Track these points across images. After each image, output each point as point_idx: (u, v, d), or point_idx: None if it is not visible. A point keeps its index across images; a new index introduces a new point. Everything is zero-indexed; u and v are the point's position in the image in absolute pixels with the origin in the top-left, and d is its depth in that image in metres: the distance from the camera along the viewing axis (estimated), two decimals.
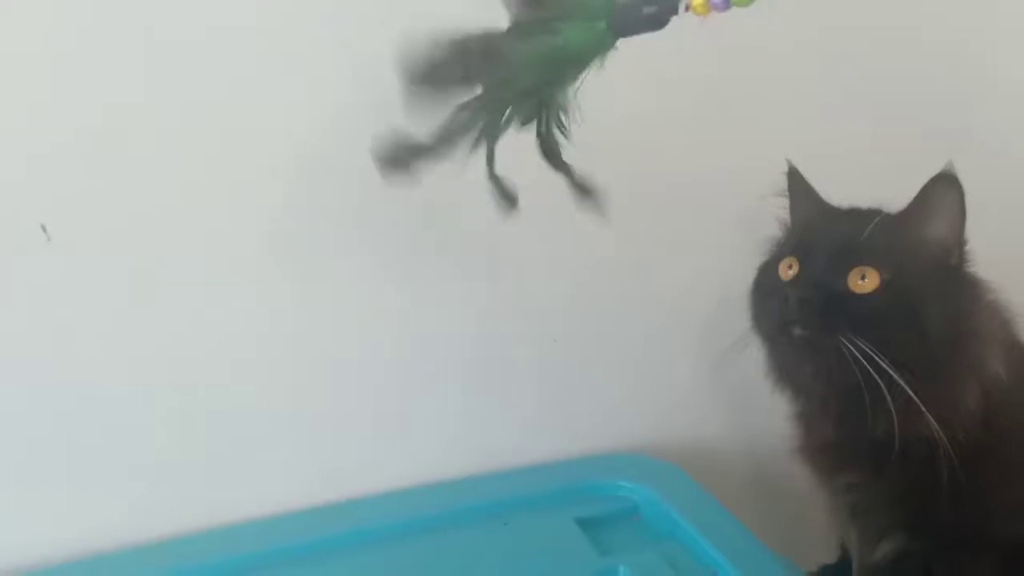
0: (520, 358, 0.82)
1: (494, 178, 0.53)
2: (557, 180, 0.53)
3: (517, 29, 0.49)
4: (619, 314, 0.83)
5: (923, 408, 0.57)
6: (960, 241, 0.60)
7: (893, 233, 0.60)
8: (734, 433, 0.86)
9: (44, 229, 0.65)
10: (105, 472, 0.71)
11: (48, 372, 0.68)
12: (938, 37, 0.88)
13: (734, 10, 0.45)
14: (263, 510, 0.76)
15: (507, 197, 0.54)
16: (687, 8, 0.46)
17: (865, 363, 0.56)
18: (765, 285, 0.65)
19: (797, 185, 0.68)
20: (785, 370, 0.66)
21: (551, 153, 0.53)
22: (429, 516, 0.75)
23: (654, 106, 0.76)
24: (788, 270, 0.62)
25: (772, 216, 0.70)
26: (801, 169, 0.69)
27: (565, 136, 0.52)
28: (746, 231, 0.71)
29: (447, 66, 0.48)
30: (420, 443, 0.81)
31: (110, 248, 0.67)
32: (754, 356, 0.67)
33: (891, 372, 0.56)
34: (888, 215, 0.62)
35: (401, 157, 0.51)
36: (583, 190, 0.54)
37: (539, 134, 0.52)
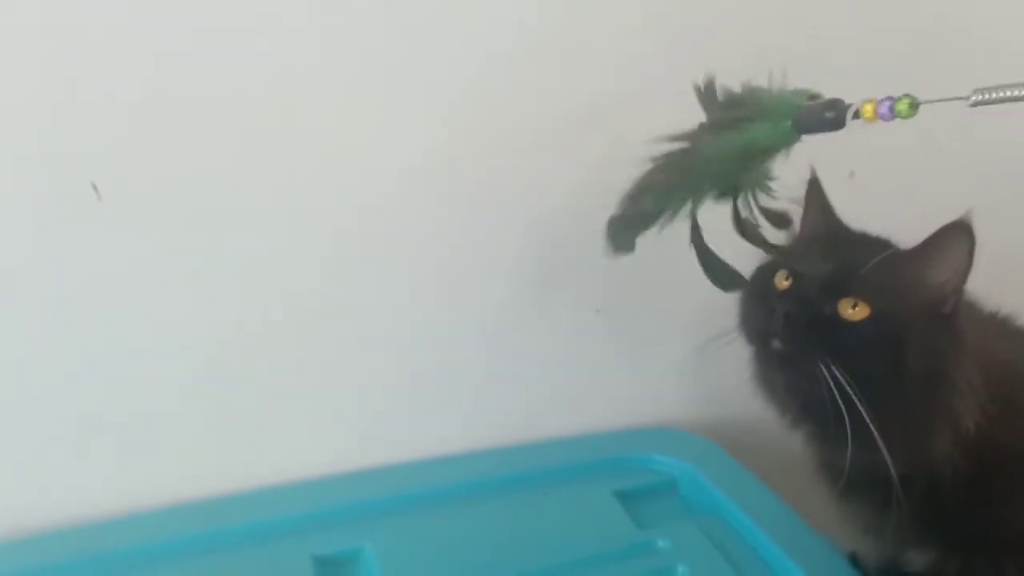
0: (561, 328, 0.82)
1: (701, 249, 0.62)
2: None
3: (714, 126, 0.59)
4: (663, 289, 0.83)
5: (880, 445, 0.56)
6: (959, 290, 0.58)
7: (894, 271, 0.59)
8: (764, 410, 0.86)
9: (95, 188, 0.65)
10: (143, 435, 0.72)
11: (95, 331, 0.69)
12: None
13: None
14: (308, 471, 0.77)
15: (715, 270, 0.63)
16: (856, 115, 0.51)
17: (835, 390, 0.56)
18: (757, 290, 0.64)
19: (815, 196, 0.67)
20: (762, 377, 0.66)
21: (747, 233, 0.62)
22: (470, 483, 0.76)
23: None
24: (783, 281, 0.62)
25: None
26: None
27: (767, 211, 0.61)
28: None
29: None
30: (461, 410, 0.82)
31: (157, 210, 0.68)
32: None
33: (859, 404, 0.55)
34: (895, 251, 0.60)
35: (626, 237, 0.62)
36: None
37: (735, 216, 0.61)
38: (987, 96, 0.47)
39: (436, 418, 0.81)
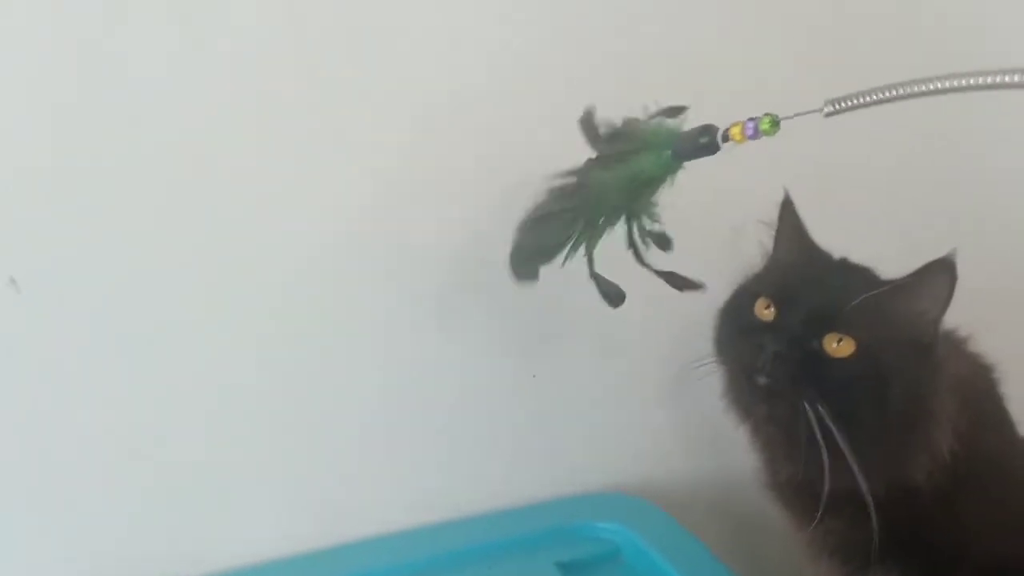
0: (499, 396, 0.81)
1: (596, 277, 0.63)
2: None
3: (601, 161, 0.61)
4: (601, 350, 0.82)
5: (858, 473, 0.57)
6: (939, 322, 0.60)
7: (878, 306, 0.59)
8: (708, 467, 0.85)
9: (14, 281, 0.65)
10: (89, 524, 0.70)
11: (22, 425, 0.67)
12: None
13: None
14: (250, 559, 0.75)
15: (609, 292, 0.63)
16: (727, 139, 0.54)
17: (816, 424, 0.56)
18: (738, 319, 0.65)
19: (788, 217, 0.68)
20: (740, 403, 0.66)
21: (641, 257, 0.62)
22: (414, 562, 0.74)
23: None
24: (765, 310, 0.62)
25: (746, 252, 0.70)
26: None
27: (652, 233, 0.62)
28: (721, 271, 0.70)
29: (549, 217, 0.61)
30: (402, 488, 0.80)
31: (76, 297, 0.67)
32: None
33: (837, 436, 0.56)
34: (878, 290, 0.61)
35: (529, 266, 0.63)
36: (676, 281, 0.64)
37: (631, 243, 0.62)
38: (839, 106, 0.48)
39: (378, 497, 0.79)
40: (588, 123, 0.62)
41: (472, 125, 0.75)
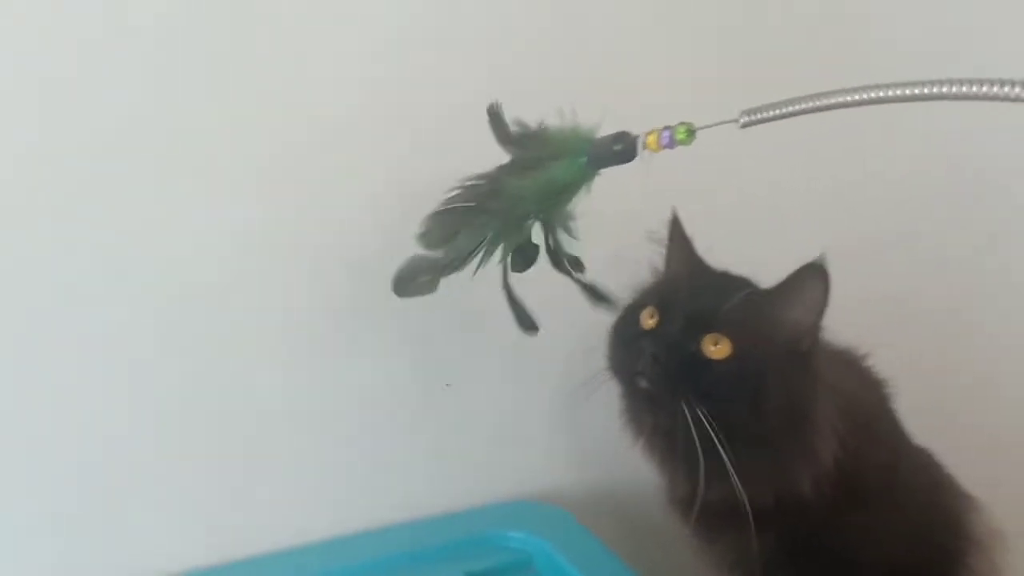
0: (410, 406, 0.79)
1: (510, 293, 0.63)
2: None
3: (514, 166, 0.60)
4: (515, 358, 0.82)
5: (736, 483, 0.58)
6: (815, 329, 0.61)
7: (754, 309, 0.60)
8: (620, 476, 0.85)
9: None
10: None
11: None
12: None
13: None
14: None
15: (522, 318, 0.64)
16: (644, 146, 0.54)
17: (694, 427, 0.57)
18: (625, 329, 0.66)
19: (677, 235, 0.69)
20: (632, 417, 0.67)
21: (559, 264, 0.63)
22: (320, 573, 0.72)
23: None
24: (649, 319, 0.63)
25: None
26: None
27: (566, 254, 0.62)
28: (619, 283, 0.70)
29: (459, 210, 0.60)
30: (308, 501, 0.77)
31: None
32: None
33: (717, 440, 0.57)
34: (754, 290, 0.62)
35: (422, 278, 0.62)
36: (594, 294, 0.65)
37: (548, 249, 0.62)
38: (754, 117, 0.49)
39: (282, 512, 0.76)
40: (496, 120, 0.61)
41: (383, 133, 0.74)
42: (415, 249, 0.62)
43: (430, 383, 0.80)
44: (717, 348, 0.59)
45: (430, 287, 0.62)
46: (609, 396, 0.70)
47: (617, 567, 0.73)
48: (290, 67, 0.70)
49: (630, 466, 0.77)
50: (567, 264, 0.63)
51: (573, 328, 0.74)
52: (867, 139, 0.93)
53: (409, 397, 0.79)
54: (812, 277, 0.59)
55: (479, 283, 0.75)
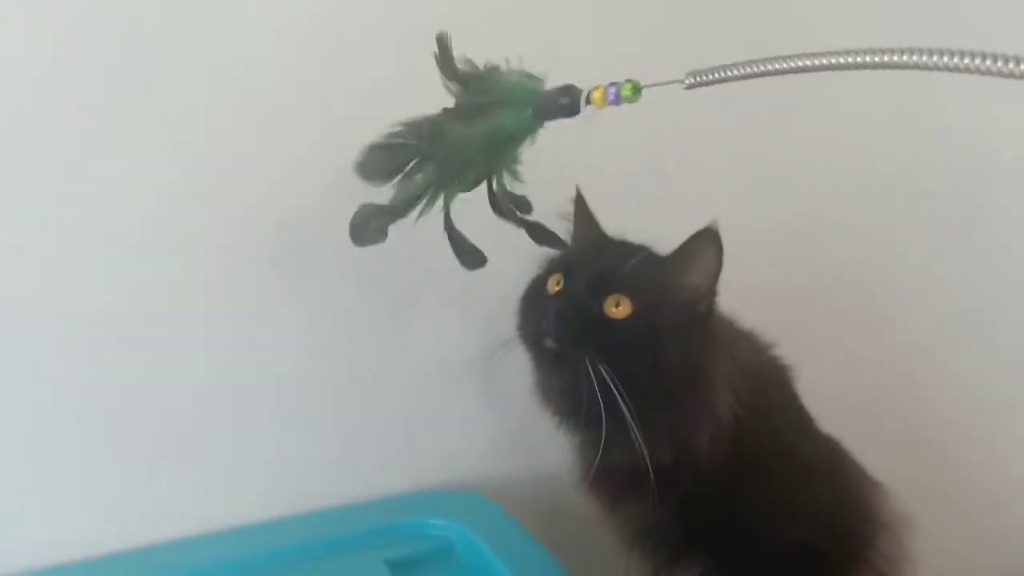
0: (332, 392, 0.78)
1: (452, 235, 0.62)
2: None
3: (459, 112, 0.59)
4: (436, 344, 0.81)
5: (638, 439, 0.60)
6: (711, 292, 0.64)
7: (654, 272, 0.63)
8: (542, 463, 0.85)
9: None
10: None
11: None
12: None
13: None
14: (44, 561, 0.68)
15: (466, 252, 0.62)
16: (588, 101, 0.54)
17: (597, 385, 0.59)
18: (532, 296, 0.68)
19: (581, 211, 0.71)
20: (541, 384, 0.69)
21: (502, 210, 0.62)
22: (237, 560, 0.70)
23: None
24: (555, 285, 0.65)
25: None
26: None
27: (511, 194, 0.62)
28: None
29: (399, 147, 0.59)
30: (224, 488, 0.75)
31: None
32: None
33: (619, 396, 0.59)
34: (653, 254, 0.65)
35: (373, 224, 0.60)
36: (540, 233, 0.65)
37: (490, 195, 0.62)
38: (701, 79, 0.49)
39: (200, 497, 0.74)
40: (444, 51, 0.60)
41: (307, 97, 0.73)
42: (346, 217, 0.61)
43: (353, 368, 0.78)
44: (619, 308, 0.61)
45: (381, 235, 0.61)
46: (528, 385, 0.71)
47: (538, 553, 0.72)
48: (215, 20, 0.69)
49: (553, 455, 0.77)
50: (512, 204, 0.63)
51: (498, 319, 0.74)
52: (796, 126, 0.96)
53: (330, 382, 0.78)
54: (706, 242, 0.62)
55: (405, 266, 0.75)
